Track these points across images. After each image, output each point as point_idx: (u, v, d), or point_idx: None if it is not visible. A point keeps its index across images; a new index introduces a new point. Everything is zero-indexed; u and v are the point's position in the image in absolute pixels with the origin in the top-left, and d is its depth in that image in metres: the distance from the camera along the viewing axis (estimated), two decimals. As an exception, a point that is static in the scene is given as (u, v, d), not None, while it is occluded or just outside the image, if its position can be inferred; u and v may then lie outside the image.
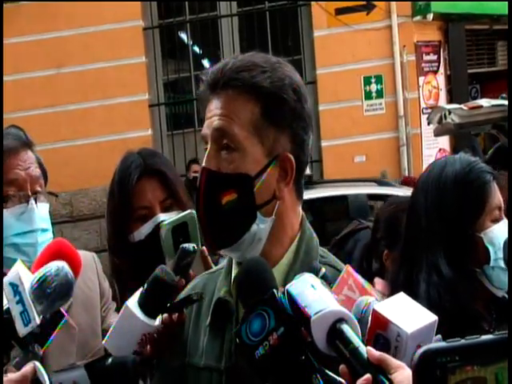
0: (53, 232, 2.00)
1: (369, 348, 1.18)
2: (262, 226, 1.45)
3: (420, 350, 0.96)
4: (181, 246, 1.55)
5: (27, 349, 1.45)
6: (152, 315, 1.46)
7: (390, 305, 1.24)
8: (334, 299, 1.24)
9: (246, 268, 1.37)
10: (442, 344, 0.95)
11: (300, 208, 1.54)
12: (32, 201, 1.92)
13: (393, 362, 1.15)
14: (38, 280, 1.46)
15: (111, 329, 1.48)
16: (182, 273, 1.58)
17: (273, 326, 1.23)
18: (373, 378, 1.13)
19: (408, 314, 1.23)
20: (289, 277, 1.45)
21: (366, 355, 1.16)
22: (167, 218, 2.09)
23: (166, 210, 2.15)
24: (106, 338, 1.46)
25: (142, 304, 1.46)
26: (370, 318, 1.24)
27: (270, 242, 1.48)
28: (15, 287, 1.45)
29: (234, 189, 1.43)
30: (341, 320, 1.21)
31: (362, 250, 2.98)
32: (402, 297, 1.27)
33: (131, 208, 2.15)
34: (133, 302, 1.46)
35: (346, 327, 1.20)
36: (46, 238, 1.95)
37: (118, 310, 1.88)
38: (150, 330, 1.46)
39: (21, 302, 1.44)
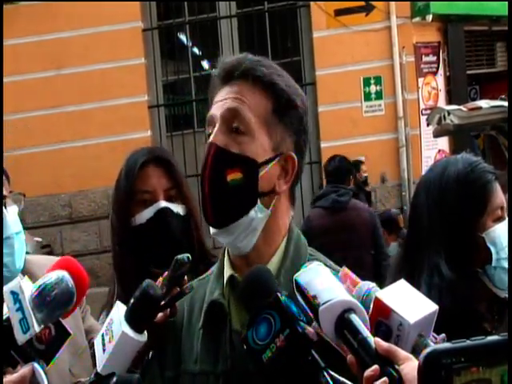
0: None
1: (377, 339, 1.18)
2: (259, 215, 1.46)
3: (425, 351, 0.96)
4: (175, 257, 1.54)
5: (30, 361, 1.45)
6: (140, 330, 1.46)
7: (391, 292, 1.25)
8: (342, 288, 1.24)
9: (249, 276, 1.38)
10: (448, 345, 0.94)
11: (291, 212, 1.55)
12: (2, 208, 1.91)
13: (401, 353, 1.15)
14: (38, 288, 1.46)
15: (106, 357, 1.44)
16: (176, 283, 1.58)
17: (278, 328, 1.23)
18: (380, 369, 1.14)
19: (410, 303, 1.23)
20: (280, 274, 1.46)
21: (374, 346, 1.17)
22: (170, 206, 2.12)
23: (169, 199, 2.16)
24: (101, 367, 1.44)
25: (130, 320, 1.45)
26: (371, 305, 1.24)
27: (263, 239, 1.48)
28: (16, 295, 1.45)
29: (240, 169, 1.43)
30: (349, 310, 1.21)
31: None
32: (403, 284, 1.28)
33: (134, 191, 2.16)
34: (127, 327, 1.44)
35: (354, 317, 1.21)
36: (20, 241, 1.95)
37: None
38: (141, 345, 1.46)
39: (21, 309, 1.44)
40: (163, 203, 2.13)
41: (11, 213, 1.94)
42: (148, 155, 2.21)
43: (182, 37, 10.76)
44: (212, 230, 1.49)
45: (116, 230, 2.22)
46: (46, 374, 1.43)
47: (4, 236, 1.90)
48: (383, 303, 1.22)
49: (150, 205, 2.14)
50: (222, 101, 1.48)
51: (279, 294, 1.27)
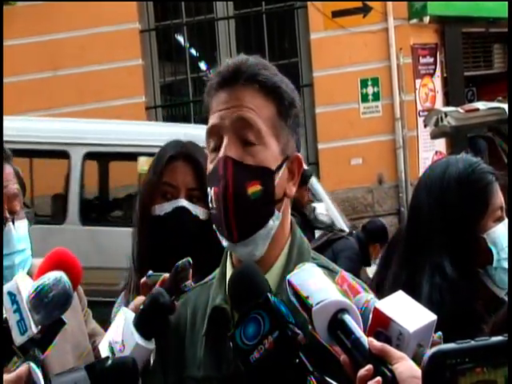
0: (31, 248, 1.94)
1: (370, 339, 1.18)
2: (276, 223, 1.45)
3: (429, 352, 0.95)
4: (176, 264, 1.54)
5: (28, 355, 1.44)
6: (149, 338, 1.46)
7: (390, 303, 1.24)
8: (336, 289, 1.24)
9: (239, 273, 1.37)
10: (452, 346, 0.94)
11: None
12: (9, 223, 1.85)
13: (394, 352, 1.15)
14: (36, 289, 1.44)
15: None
16: (177, 288, 1.57)
17: (267, 329, 1.22)
18: (374, 369, 1.13)
19: (409, 313, 1.23)
20: (283, 280, 1.42)
21: (367, 346, 1.16)
22: (189, 206, 2.09)
23: (190, 198, 2.12)
24: None
25: (140, 327, 1.44)
26: (370, 316, 1.24)
27: (270, 242, 1.46)
28: (13, 296, 1.44)
29: (259, 180, 1.42)
30: (343, 310, 1.21)
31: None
32: (401, 295, 1.27)
33: (160, 181, 2.14)
34: (139, 337, 1.44)
35: (347, 318, 1.20)
36: (23, 258, 1.91)
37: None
38: (150, 353, 1.47)
39: (18, 311, 1.43)
40: (183, 202, 2.10)
41: (19, 228, 1.88)
42: (179, 149, 2.18)
43: (180, 38, 10.77)
44: (227, 243, 1.45)
45: (137, 214, 2.21)
46: (44, 373, 1.43)
47: (7, 252, 1.85)
48: (382, 313, 1.21)
49: (171, 199, 2.12)
50: (227, 109, 1.43)
51: (269, 295, 1.26)
